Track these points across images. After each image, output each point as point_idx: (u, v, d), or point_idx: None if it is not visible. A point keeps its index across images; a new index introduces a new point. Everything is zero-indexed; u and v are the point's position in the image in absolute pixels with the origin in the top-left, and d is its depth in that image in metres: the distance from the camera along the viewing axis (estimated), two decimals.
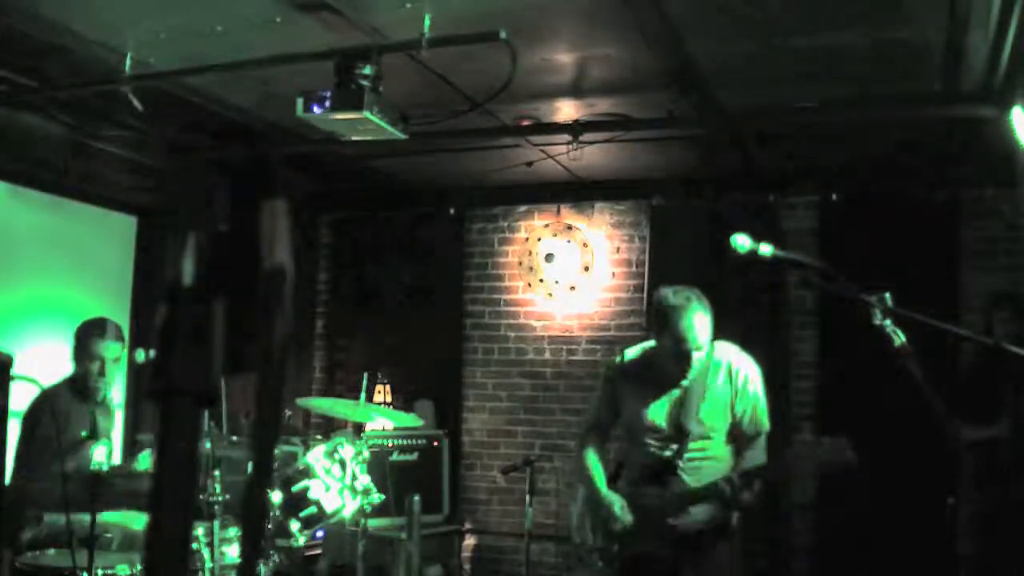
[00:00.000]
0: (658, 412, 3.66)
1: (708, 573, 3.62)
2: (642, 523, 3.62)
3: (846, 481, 3.63)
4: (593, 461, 3.84)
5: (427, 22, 3.51)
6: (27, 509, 3.96)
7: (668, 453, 3.62)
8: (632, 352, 3.86)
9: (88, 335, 4.29)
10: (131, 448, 5.53)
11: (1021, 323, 4.81)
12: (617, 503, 3.66)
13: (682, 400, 3.63)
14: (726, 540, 3.65)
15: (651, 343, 3.77)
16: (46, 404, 4.06)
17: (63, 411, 4.15)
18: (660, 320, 3.56)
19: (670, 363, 3.60)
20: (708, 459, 3.62)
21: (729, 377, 3.64)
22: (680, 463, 3.59)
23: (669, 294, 3.55)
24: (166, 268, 5.87)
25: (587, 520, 3.80)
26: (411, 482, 5.74)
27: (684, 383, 3.62)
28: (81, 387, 4.29)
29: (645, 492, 3.64)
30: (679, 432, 3.61)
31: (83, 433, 4.24)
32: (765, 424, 3.70)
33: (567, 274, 6.84)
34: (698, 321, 3.48)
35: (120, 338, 4.37)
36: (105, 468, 4.30)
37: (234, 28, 3.93)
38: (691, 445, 3.61)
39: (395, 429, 6.11)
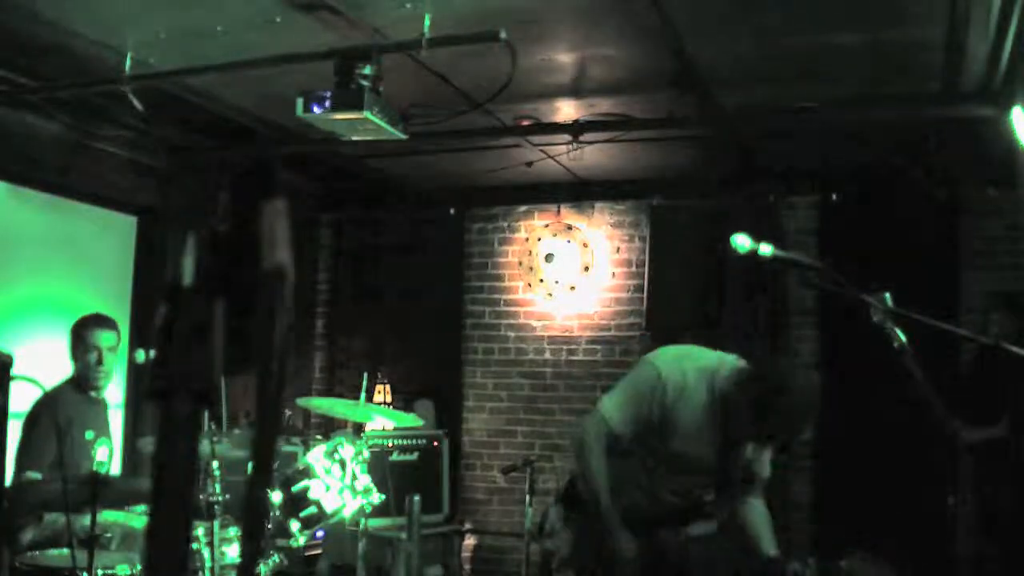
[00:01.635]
0: (713, 455, 3.19)
1: None
2: (650, 562, 3.24)
3: (846, 481, 3.62)
4: (606, 477, 3.25)
5: (427, 22, 3.51)
6: (27, 509, 3.96)
7: (705, 496, 3.28)
8: (699, 378, 3.16)
9: (83, 327, 4.33)
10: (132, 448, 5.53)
11: (1016, 324, 4.81)
12: (627, 542, 3.18)
13: (732, 449, 3.20)
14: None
15: (720, 371, 3.16)
16: (47, 406, 4.06)
17: (66, 412, 4.16)
18: (772, 402, 2.97)
19: (745, 427, 3.09)
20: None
21: None
22: (711, 508, 3.30)
23: (797, 379, 3.02)
24: (166, 268, 5.86)
25: (567, 532, 3.38)
26: (411, 482, 5.74)
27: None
28: (83, 383, 4.30)
29: (659, 533, 3.27)
30: (725, 480, 3.24)
31: (88, 435, 4.25)
32: (768, 469, 3.34)
33: (567, 274, 6.84)
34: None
35: (115, 328, 4.39)
36: (107, 467, 4.31)
37: (234, 28, 3.93)
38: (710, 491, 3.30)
39: (395, 429, 6.11)
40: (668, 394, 3.12)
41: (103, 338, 4.31)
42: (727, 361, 3.20)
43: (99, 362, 4.29)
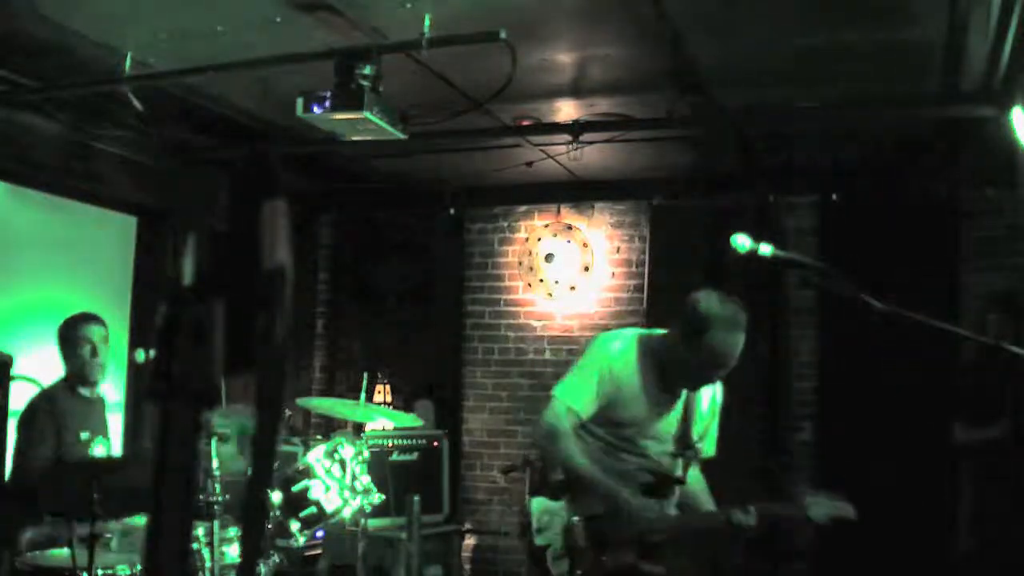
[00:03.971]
0: (671, 422, 3.34)
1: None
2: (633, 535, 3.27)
3: (845, 480, 3.62)
4: (583, 454, 3.29)
5: (427, 22, 3.51)
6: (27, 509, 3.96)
7: (672, 466, 3.36)
8: (632, 344, 3.34)
9: (71, 326, 4.37)
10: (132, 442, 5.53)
11: (1014, 324, 4.80)
12: (629, 497, 3.21)
13: (686, 413, 3.35)
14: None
15: (652, 335, 3.39)
16: (43, 404, 4.06)
17: (62, 411, 4.16)
18: (697, 328, 3.13)
19: (689, 375, 3.26)
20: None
21: (714, 393, 3.44)
22: (684, 478, 3.37)
23: (716, 303, 3.15)
24: (166, 268, 5.87)
25: (557, 522, 3.34)
26: (411, 482, 5.74)
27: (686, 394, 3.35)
28: (78, 379, 4.31)
29: (643, 504, 3.27)
30: (684, 446, 3.35)
31: (83, 435, 4.24)
32: (713, 448, 3.49)
33: (567, 274, 6.84)
34: (740, 343, 3.15)
35: (103, 323, 4.45)
36: None
37: (234, 28, 3.93)
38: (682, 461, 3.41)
39: (395, 429, 6.11)
40: (614, 364, 3.28)
41: (94, 332, 4.35)
42: (657, 330, 3.44)
43: (94, 354, 4.32)
